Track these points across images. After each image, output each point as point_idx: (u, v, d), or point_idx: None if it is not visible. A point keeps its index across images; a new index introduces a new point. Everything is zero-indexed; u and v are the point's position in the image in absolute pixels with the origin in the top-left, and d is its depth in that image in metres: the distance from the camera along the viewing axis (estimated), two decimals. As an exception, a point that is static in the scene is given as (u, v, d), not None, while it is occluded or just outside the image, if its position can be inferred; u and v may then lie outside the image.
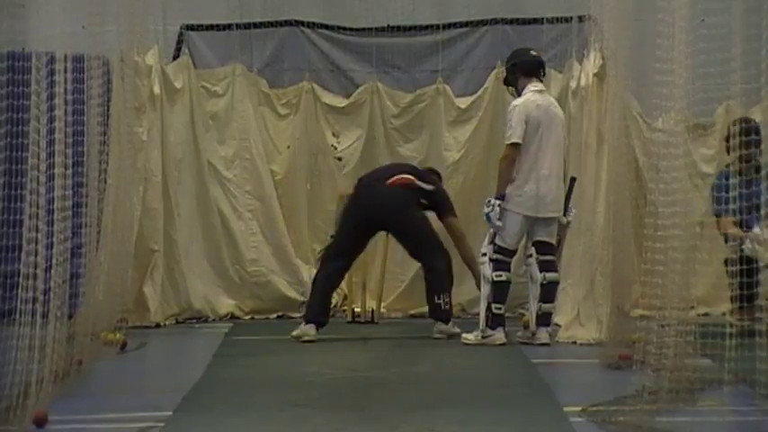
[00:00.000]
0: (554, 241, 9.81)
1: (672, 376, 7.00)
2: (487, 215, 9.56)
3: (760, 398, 6.38)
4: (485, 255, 9.67)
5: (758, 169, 6.58)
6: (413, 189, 10.24)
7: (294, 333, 10.01)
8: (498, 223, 9.55)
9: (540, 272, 9.60)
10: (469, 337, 9.68)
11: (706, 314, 10.62)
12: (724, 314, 10.24)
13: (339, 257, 10.21)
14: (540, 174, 9.60)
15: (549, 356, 9.20)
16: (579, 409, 6.73)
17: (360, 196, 10.33)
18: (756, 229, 8.99)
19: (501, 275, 9.57)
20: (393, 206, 10.13)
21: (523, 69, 9.84)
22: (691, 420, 6.55)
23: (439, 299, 10.06)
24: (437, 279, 10.11)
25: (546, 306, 9.61)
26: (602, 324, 9.48)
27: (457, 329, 10.07)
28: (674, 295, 7.44)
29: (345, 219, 10.32)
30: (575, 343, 9.72)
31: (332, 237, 10.43)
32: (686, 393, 6.95)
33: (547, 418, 6.76)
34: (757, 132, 8.76)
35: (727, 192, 8.14)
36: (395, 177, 10.30)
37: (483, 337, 9.58)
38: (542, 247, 9.66)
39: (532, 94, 9.75)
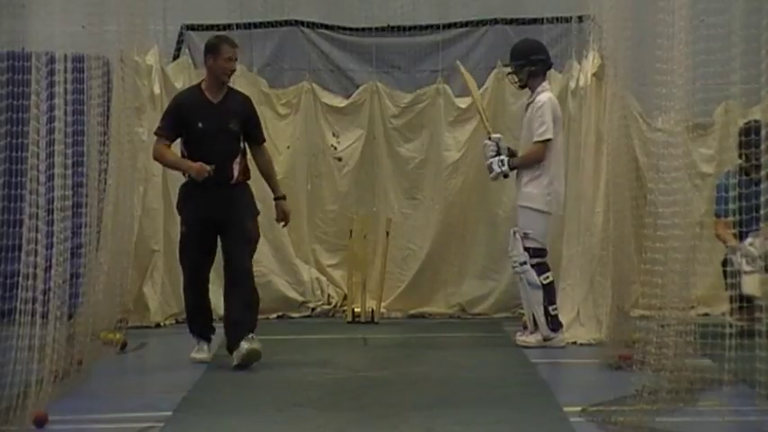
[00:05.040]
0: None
1: (672, 376, 7.01)
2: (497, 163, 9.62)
3: (760, 398, 6.38)
4: (524, 263, 9.47)
5: (758, 168, 6.54)
6: None
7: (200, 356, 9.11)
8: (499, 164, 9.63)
9: (538, 275, 9.56)
10: (530, 339, 9.57)
11: (706, 314, 10.60)
12: (724, 314, 10.24)
13: None
14: (562, 172, 9.61)
15: (549, 356, 9.19)
16: (579, 409, 6.74)
17: None
18: (749, 239, 8.92)
19: (548, 276, 9.50)
20: None
21: (545, 68, 9.79)
22: (691, 420, 6.56)
23: None
24: None
25: (552, 308, 9.52)
26: (602, 324, 9.49)
27: None
28: (674, 295, 7.44)
29: None
30: (575, 343, 9.70)
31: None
32: (686, 393, 6.96)
33: (547, 418, 6.77)
34: None
35: (727, 192, 8.12)
36: None
37: (545, 340, 9.51)
38: (534, 252, 9.57)
39: (549, 92, 9.74)
